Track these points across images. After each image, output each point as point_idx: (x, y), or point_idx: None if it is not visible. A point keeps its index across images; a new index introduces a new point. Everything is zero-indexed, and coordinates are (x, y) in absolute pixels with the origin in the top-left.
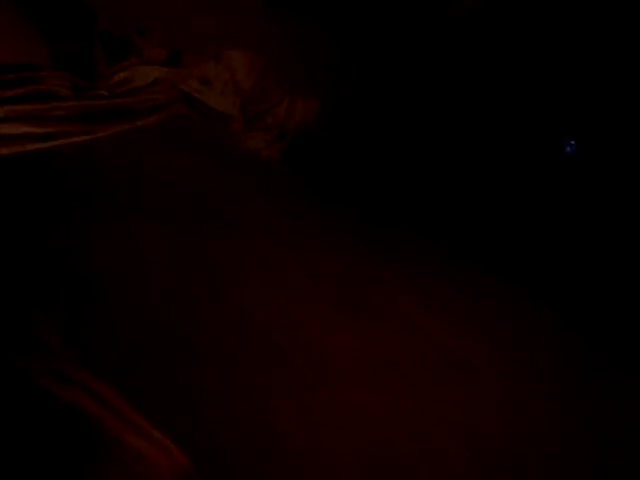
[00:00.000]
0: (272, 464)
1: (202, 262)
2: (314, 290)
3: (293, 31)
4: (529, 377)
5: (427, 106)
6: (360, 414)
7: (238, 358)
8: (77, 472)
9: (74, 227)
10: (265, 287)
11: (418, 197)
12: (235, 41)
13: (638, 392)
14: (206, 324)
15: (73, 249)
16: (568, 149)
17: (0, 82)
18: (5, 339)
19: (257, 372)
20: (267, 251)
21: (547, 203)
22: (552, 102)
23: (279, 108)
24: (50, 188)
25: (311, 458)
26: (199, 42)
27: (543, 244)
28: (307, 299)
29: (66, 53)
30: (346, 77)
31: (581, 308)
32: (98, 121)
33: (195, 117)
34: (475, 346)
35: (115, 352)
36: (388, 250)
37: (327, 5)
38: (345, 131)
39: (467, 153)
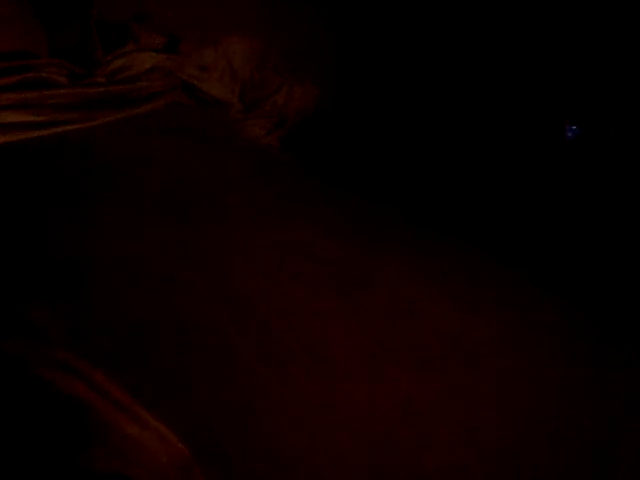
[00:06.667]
0: (271, 450)
1: (202, 250)
2: (314, 275)
3: (292, 17)
4: (530, 361)
5: (427, 90)
6: (359, 401)
7: (236, 346)
8: (75, 460)
9: (72, 216)
10: (264, 273)
11: (418, 181)
12: (234, 27)
13: None
14: (204, 311)
15: (72, 237)
16: (569, 134)
17: None
18: (2, 328)
19: (255, 360)
20: (267, 237)
21: (548, 186)
22: (553, 86)
23: (278, 95)
24: (47, 177)
25: (309, 445)
26: (198, 28)
27: (545, 227)
28: (307, 285)
29: (63, 40)
30: (345, 63)
31: (585, 292)
32: (95, 109)
33: (193, 104)
34: (476, 330)
35: (114, 340)
36: (389, 235)
37: None
38: (345, 117)
39: (467, 136)
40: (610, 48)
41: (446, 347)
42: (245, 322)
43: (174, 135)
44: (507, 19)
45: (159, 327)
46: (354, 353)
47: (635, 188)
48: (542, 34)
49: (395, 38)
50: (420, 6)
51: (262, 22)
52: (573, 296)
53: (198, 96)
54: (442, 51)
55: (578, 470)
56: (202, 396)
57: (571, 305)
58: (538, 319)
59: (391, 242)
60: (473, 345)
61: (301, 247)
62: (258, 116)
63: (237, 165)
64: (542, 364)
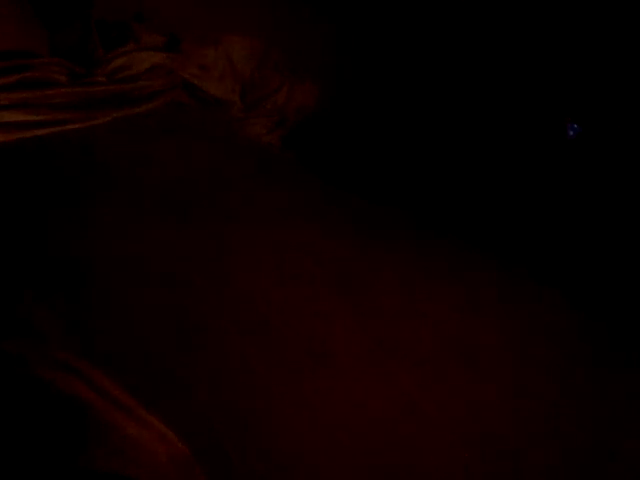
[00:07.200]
0: (270, 450)
1: (202, 248)
2: (314, 275)
3: (293, 17)
4: (530, 360)
5: (427, 90)
6: (359, 401)
7: (237, 345)
8: (75, 460)
9: (72, 216)
10: (265, 272)
11: (419, 181)
12: (234, 27)
13: None
14: (205, 310)
15: (72, 237)
16: (571, 132)
17: None
18: (2, 328)
19: (256, 359)
20: (267, 237)
21: (549, 184)
22: (555, 85)
23: (279, 94)
24: (48, 176)
25: (310, 443)
26: (198, 28)
27: (546, 227)
28: (307, 285)
29: (63, 40)
30: (346, 62)
31: (586, 292)
32: (95, 108)
33: (194, 104)
34: (477, 329)
35: (114, 340)
36: (389, 235)
37: None
38: (345, 116)
39: (468, 135)
40: (611, 47)
41: (446, 347)
42: (245, 322)
43: (174, 134)
44: (508, 17)
45: (159, 327)
46: (354, 353)
47: (635, 187)
48: (543, 33)
49: (395, 37)
50: (420, 5)
51: (262, 22)
52: (574, 296)
53: (198, 95)
54: (442, 51)
55: (578, 470)
56: (202, 396)
57: (571, 305)
58: (538, 319)
59: (391, 242)
60: (473, 345)
61: (301, 247)
62: (259, 115)
63: (237, 164)
64: (542, 364)
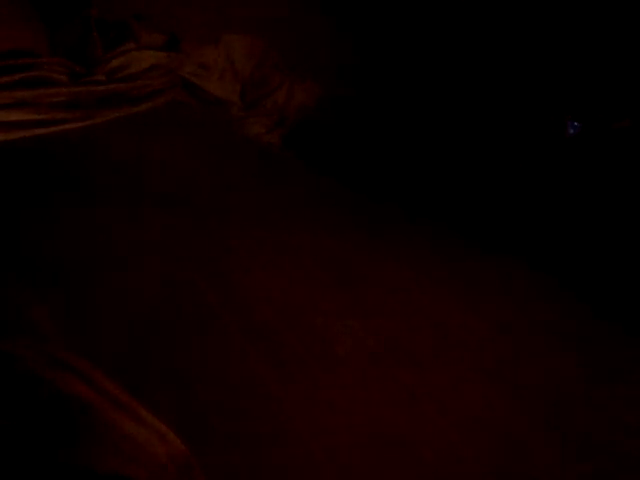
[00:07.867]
0: (272, 448)
1: (202, 248)
2: (314, 273)
3: (293, 16)
4: (531, 360)
5: (428, 88)
6: (361, 397)
7: (237, 344)
8: (74, 459)
9: (74, 214)
10: (265, 272)
11: (419, 178)
12: (234, 25)
13: None
14: (206, 310)
15: (72, 237)
16: (571, 130)
17: None
18: (2, 327)
19: (257, 358)
20: (267, 237)
21: (548, 184)
22: (555, 83)
23: (279, 93)
24: (49, 175)
25: (312, 442)
26: (198, 27)
27: (547, 222)
28: (307, 283)
29: (63, 39)
30: (346, 62)
31: (586, 291)
32: (95, 107)
33: (194, 103)
34: (477, 329)
35: (114, 340)
36: (388, 232)
37: None
38: (346, 115)
39: (469, 130)
40: (611, 46)
41: (447, 343)
42: (245, 321)
43: (174, 134)
44: (509, 15)
45: (159, 327)
46: (355, 351)
47: (635, 186)
48: (544, 32)
49: (396, 36)
50: (421, 4)
51: (262, 20)
52: (574, 296)
53: (198, 95)
54: (442, 50)
55: (578, 469)
56: (202, 396)
57: (571, 305)
58: (539, 317)
59: (391, 240)
60: (474, 342)
61: (301, 246)
62: (259, 114)
63: (237, 164)
64: (543, 363)
